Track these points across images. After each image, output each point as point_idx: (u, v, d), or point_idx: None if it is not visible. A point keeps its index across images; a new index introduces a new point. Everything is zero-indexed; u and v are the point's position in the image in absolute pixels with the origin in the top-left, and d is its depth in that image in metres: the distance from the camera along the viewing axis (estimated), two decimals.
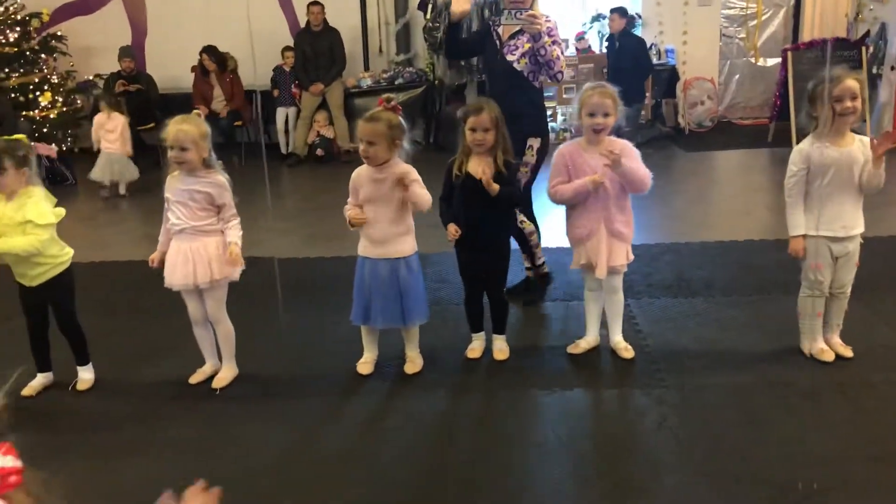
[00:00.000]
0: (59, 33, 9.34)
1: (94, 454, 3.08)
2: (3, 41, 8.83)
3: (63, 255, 3.50)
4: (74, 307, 3.58)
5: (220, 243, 3.42)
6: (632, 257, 3.58)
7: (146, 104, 9.09)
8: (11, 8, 8.92)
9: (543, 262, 4.40)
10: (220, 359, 3.67)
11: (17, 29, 8.88)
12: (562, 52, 4.01)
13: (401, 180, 3.30)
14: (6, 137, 3.42)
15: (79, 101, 9.48)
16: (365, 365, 3.63)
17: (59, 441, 3.18)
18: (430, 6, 9.43)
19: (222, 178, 3.40)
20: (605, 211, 3.46)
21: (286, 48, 9.37)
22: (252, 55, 8.81)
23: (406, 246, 3.45)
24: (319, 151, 9.27)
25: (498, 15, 4.22)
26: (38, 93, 8.97)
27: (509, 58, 4.09)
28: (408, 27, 10.02)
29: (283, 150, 9.45)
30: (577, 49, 9.91)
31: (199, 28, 9.60)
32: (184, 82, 9.53)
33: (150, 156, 9.08)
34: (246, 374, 3.64)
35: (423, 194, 3.35)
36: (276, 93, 9.40)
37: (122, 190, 7.97)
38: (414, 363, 3.61)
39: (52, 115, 8.98)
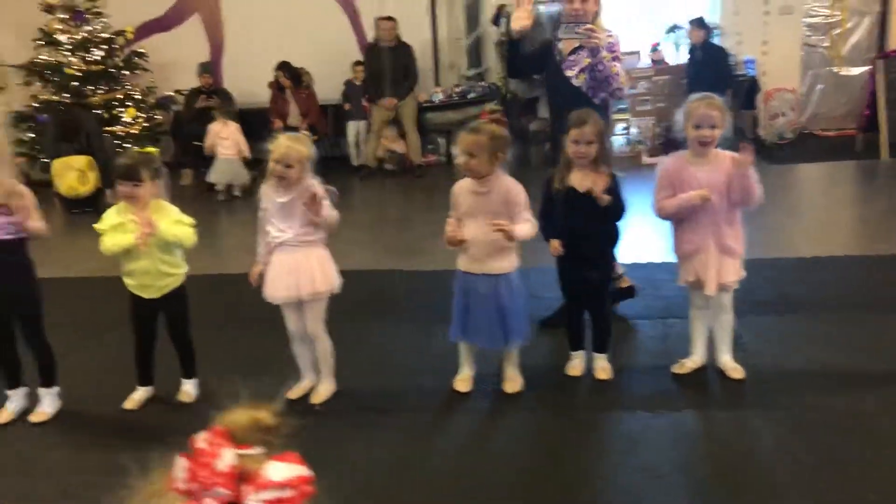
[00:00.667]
0: (140, 50, 9.55)
1: None
2: (90, 59, 9.06)
3: (184, 266, 3.55)
4: (189, 320, 3.59)
5: (321, 256, 3.41)
6: (743, 274, 3.45)
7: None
8: (99, 27, 9.15)
9: (621, 275, 4.30)
10: (316, 373, 3.64)
11: (104, 47, 9.11)
12: (622, 69, 3.90)
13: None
14: (141, 150, 3.46)
15: (158, 117, 9.68)
16: (463, 382, 3.57)
17: (166, 456, 3.17)
18: (503, 21, 9.40)
19: (320, 187, 3.39)
20: (715, 226, 3.35)
21: (357, 62, 9.44)
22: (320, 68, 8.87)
23: (506, 263, 3.38)
24: (389, 165, 9.31)
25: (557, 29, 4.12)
26: (121, 109, 9.18)
27: (568, 73, 4.01)
28: (479, 41, 10.01)
29: (354, 163, 9.50)
30: (651, 61, 9.77)
31: (273, 44, 9.76)
32: (260, 98, 9.66)
33: None
34: (343, 390, 3.60)
35: (524, 229, 3.27)
36: (347, 106, 9.46)
37: (236, 192, 8.50)
38: (514, 382, 3.54)
39: (133, 131, 9.18)
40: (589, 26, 3.78)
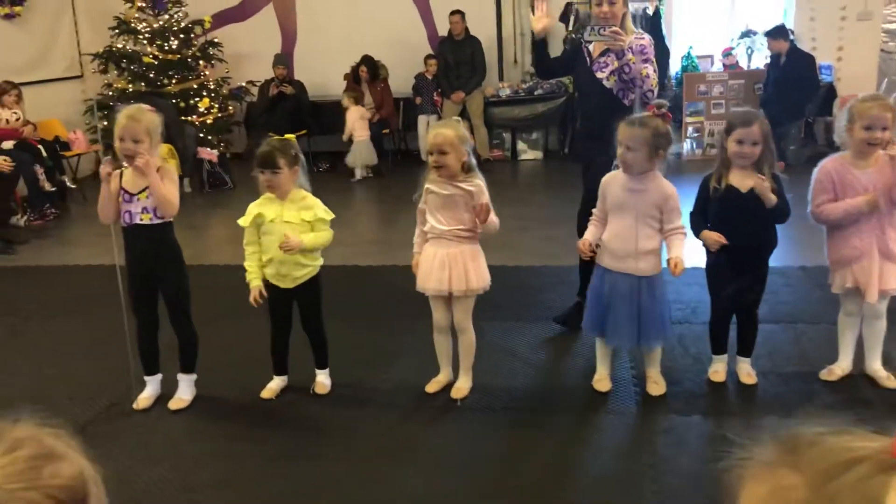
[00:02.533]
0: (215, 40, 9.57)
1: (354, 461, 3.04)
2: (167, 48, 9.10)
3: (319, 258, 3.53)
4: (322, 310, 3.57)
5: (475, 252, 3.37)
6: None
7: (298, 111, 9.23)
8: (176, 16, 9.19)
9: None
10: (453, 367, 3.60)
11: (181, 36, 9.15)
12: (654, 71, 3.83)
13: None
14: (278, 137, 3.44)
15: (230, 108, 9.70)
16: (602, 382, 3.52)
17: (312, 446, 3.16)
18: (571, 17, 9.34)
19: (481, 181, 3.35)
20: (879, 230, 3.27)
21: (428, 56, 9.42)
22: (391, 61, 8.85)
23: (650, 265, 3.32)
24: None
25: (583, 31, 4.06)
26: (196, 98, 9.20)
27: (599, 75, 3.94)
28: (544, 38, 9.91)
29: (423, 157, 9.45)
30: (724, 65, 9.66)
31: (344, 36, 9.76)
32: (331, 90, 9.67)
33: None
34: (478, 386, 3.56)
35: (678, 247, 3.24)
36: (418, 100, 9.43)
37: (366, 173, 8.97)
38: (658, 384, 3.48)
39: (208, 121, 9.20)
40: (614, 28, 3.72)
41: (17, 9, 8.80)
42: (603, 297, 3.38)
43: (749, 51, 9.78)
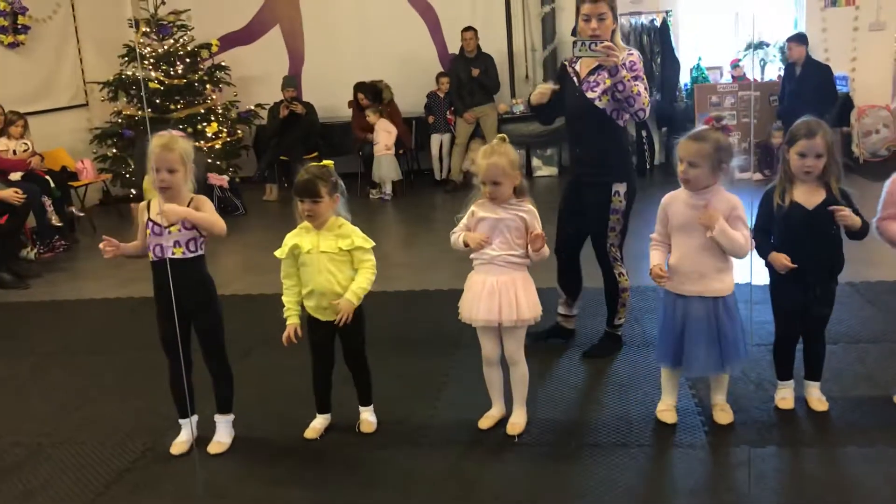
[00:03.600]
0: (222, 63, 9.44)
1: None
2: (173, 73, 8.96)
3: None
4: (366, 344, 3.39)
5: (526, 280, 3.20)
6: None
7: (309, 133, 9.09)
8: (182, 40, 9.05)
9: (621, 324, 4.14)
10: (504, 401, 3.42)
11: (188, 60, 9.01)
12: (645, 89, 3.66)
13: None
14: (317, 164, 3.28)
15: (239, 132, 9.55)
16: (668, 413, 3.34)
17: (369, 492, 2.97)
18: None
19: (533, 205, 3.19)
20: None
21: (440, 74, 9.31)
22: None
23: (725, 284, 3.15)
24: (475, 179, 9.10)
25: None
26: (204, 123, 9.05)
27: (590, 95, 3.75)
28: (555, 53, 9.82)
29: (437, 177, 9.34)
30: (732, 77, 9.55)
31: (353, 56, 9.66)
32: (341, 111, 9.56)
33: None
34: (534, 419, 3.39)
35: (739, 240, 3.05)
36: (430, 119, 9.31)
37: (388, 190, 8.86)
38: (725, 412, 3.30)
39: (216, 146, 9.05)
40: (607, 43, 3.51)
41: (21, 38, 8.66)
42: (676, 324, 3.20)
43: (762, 62, 9.68)
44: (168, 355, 3.30)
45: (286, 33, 10.04)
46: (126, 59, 9.16)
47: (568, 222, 4.07)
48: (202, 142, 8.97)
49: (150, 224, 3.15)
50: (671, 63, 8.84)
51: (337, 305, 3.18)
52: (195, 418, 3.42)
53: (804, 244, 3.13)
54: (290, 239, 3.27)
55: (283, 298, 3.32)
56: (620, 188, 3.87)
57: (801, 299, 3.23)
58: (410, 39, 9.78)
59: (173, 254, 3.13)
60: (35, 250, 7.11)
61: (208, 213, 3.16)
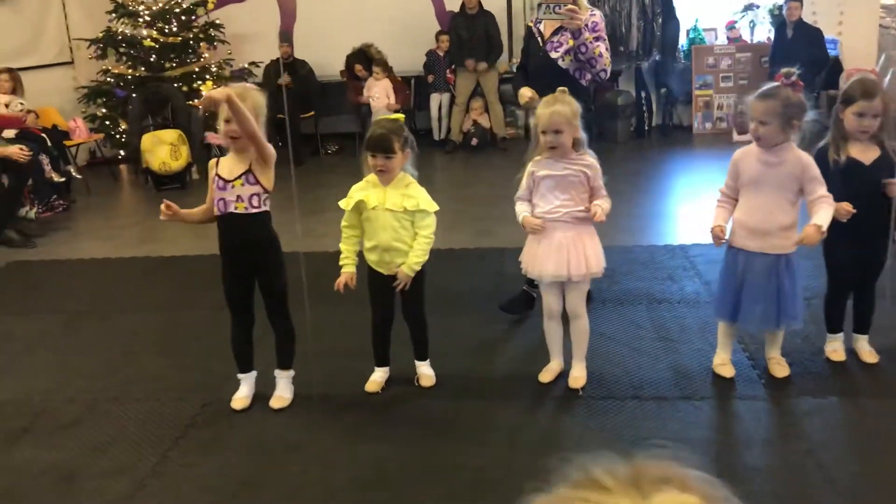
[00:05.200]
0: (216, 21, 9.24)
1: (500, 459, 2.88)
2: (168, 31, 8.76)
3: None
4: (424, 299, 3.39)
5: (592, 234, 3.22)
6: None
7: (307, 94, 8.96)
8: None
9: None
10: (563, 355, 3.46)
11: (182, 18, 8.81)
12: (606, 49, 3.71)
13: None
14: (390, 117, 3.25)
15: None
16: (725, 367, 3.40)
17: (448, 443, 3.00)
18: None
19: (594, 158, 3.19)
20: None
21: (440, 32, 9.20)
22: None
23: (788, 241, 3.19)
24: (474, 141, 9.10)
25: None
26: (199, 82, 8.88)
27: (553, 55, 3.80)
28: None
29: (436, 137, 9.28)
30: (728, 38, 9.60)
31: (347, 13, 9.49)
32: (335, 69, 9.42)
33: (310, 144, 9.03)
34: (592, 373, 3.43)
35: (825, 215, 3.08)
36: (430, 78, 9.22)
37: None
38: (782, 365, 3.38)
39: None
40: (570, 7, 3.53)
41: None
42: (736, 277, 3.25)
43: (752, 24, 9.74)
44: (231, 308, 3.27)
45: None
46: (114, 15, 8.92)
47: None
48: (196, 100, 8.80)
49: (217, 179, 3.10)
50: (672, 23, 8.85)
51: (397, 272, 3.20)
52: (254, 374, 3.40)
53: (861, 198, 3.18)
54: (356, 192, 3.25)
55: (341, 246, 3.31)
56: None
57: (855, 253, 3.29)
58: None
59: (235, 208, 3.09)
60: (35, 210, 6.96)
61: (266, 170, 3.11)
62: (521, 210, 3.28)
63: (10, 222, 6.20)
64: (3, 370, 3.83)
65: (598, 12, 3.75)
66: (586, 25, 3.60)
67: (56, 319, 4.44)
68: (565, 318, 3.36)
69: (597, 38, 3.65)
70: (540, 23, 3.86)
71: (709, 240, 5.05)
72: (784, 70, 3.17)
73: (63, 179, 7.34)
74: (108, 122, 8.95)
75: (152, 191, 7.91)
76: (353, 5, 9.55)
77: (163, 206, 3.10)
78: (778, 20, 9.13)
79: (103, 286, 5.03)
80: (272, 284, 3.25)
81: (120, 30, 8.85)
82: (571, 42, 3.67)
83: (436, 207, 3.23)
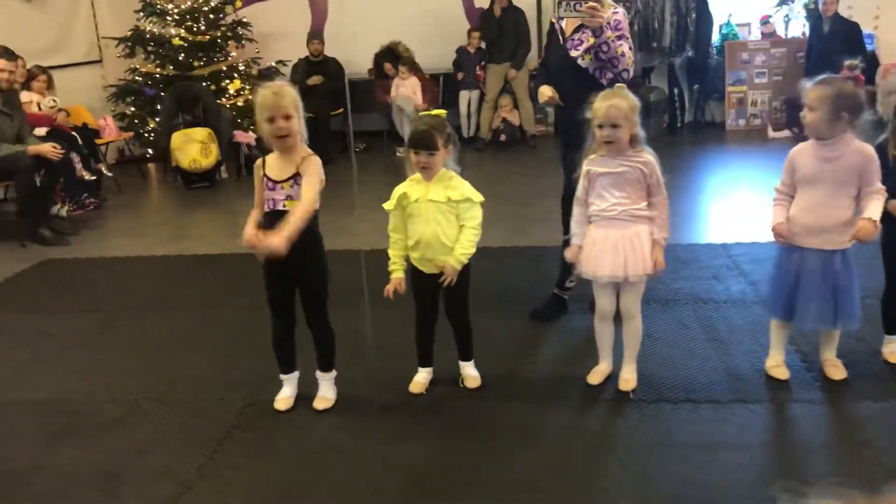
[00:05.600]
0: (244, 19, 9.22)
1: (554, 463, 2.80)
2: (196, 29, 8.74)
3: None
4: (469, 299, 3.32)
5: (650, 232, 3.13)
6: None
7: (336, 91, 8.92)
8: None
9: (572, 287, 4.05)
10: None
11: (210, 16, 8.79)
12: (630, 48, 3.58)
13: None
14: (429, 113, 3.18)
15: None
16: (779, 368, 3.31)
17: (500, 446, 2.92)
18: None
19: (651, 156, 3.10)
20: None
21: (472, 29, 9.13)
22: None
23: (845, 237, 3.09)
24: (503, 137, 9.03)
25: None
26: (227, 81, 8.86)
27: (573, 53, 3.66)
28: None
29: (465, 134, 9.21)
30: (762, 34, 9.45)
31: (378, 11, 9.43)
32: (364, 67, 9.38)
33: (338, 141, 8.99)
34: (641, 375, 3.33)
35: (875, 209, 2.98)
36: (459, 76, 9.15)
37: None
38: (838, 367, 3.28)
39: (239, 104, 8.87)
40: (591, 3, 3.39)
41: None
42: (790, 275, 3.15)
43: (786, 19, 9.58)
44: (273, 311, 3.21)
45: None
46: (142, 14, 8.92)
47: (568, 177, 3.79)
48: (224, 99, 8.79)
49: (265, 179, 3.04)
50: (705, 19, 8.71)
51: (442, 267, 3.12)
52: (297, 374, 3.35)
53: None
54: (399, 190, 3.19)
55: (389, 251, 3.25)
56: None
57: None
58: None
59: (284, 206, 3.03)
60: (66, 207, 6.96)
61: (305, 187, 3.02)
62: (575, 221, 3.23)
63: (44, 220, 6.19)
64: (41, 369, 3.80)
65: (621, 10, 3.63)
66: (608, 23, 3.49)
67: (91, 317, 4.41)
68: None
69: (619, 37, 3.53)
70: (561, 20, 3.74)
71: (751, 238, 5.08)
72: (848, 62, 3.08)
73: (94, 178, 7.34)
74: (136, 121, 8.94)
75: (182, 189, 7.89)
76: (382, 2, 9.49)
77: (251, 239, 2.96)
78: (813, 15, 8.97)
79: (137, 284, 5.01)
80: (312, 285, 3.18)
81: (148, 28, 8.84)
82: (592, 40, 3.56)
83: (481, 198, 3.16)
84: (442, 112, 3.21)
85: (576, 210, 3.27)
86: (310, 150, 3.06)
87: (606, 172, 3.10)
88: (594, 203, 3.14)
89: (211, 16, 8.85)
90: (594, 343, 3.39)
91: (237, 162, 8.34)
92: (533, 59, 9.26)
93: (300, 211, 2.92)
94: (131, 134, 8.84)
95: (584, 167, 3.18)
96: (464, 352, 3.44)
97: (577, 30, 3.67)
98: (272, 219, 3.03)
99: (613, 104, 3.02)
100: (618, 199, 3.09)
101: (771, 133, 8.67)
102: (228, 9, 8.98)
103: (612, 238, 3.09)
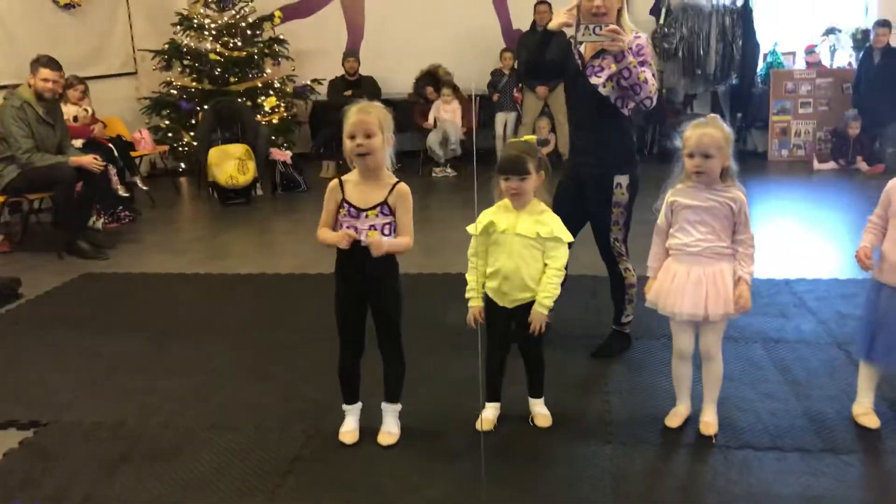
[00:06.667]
0: (281, 36, 9.17)
1: None
2: (232, 45, 8.70)
3: None
4: (543, 335, 3.17)
5: (733, 270, 2.99)
6: None
7: None
8: (243, 11, 8.78)
9: (629, 322, 3.93)
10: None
11: (248, 32, 8.75)
12: (653, 75, 3.43)
13: None
14: (518, 139, 3.06)
15: (294, 107, 9.30)
16: (868, 417, 3.15)
17: (581, 491, 2.77)
18: (663, 11, 8.97)
19: (741, 192, 2.97)
20: None
21: (505, 50, 9.05)
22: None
23: None
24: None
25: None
26: (262, 97, 8.80)
27: (594, 80, 3.51)
28: (552, 34, 9.56)
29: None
30: (806, 63, 9.33)
31: (414, 31, 9.39)
32: (399, 88, 9.31)
33: None
34: (720, 419, 3.18)
35: None
36: (496, 97, 9.05)
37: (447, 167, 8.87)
38: None
39: (274, 121, 8.80)
40: (612, 27, 3.24)
41: None
42: (877, 314, 3.01)
43: (832, 48, 9.46)
44: (344, 338, 3.09)
45: (346, 7, 9.75)
46: (180, 27, 8.88)
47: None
48: (260, 116, 8.72)
49: (346, 205, 2.91)
50: (752, 46, 8.60)
51: (532, 315, 3.04)
52: (360, 405, 3.21)
53: None
54: (486, 216, 3.07)
55: (467, 276, 3.12)
56: (622, 180, 3.64)
57: None
58: (474, 14, 9.52)
59: (366, 236, 2.90)
60: (102, 220, 6.89)
61: (405, 221, 2.93)
62: (653, 255, 3.11)
63: (81, 232, 6.10)
64: (92, 391, 3.68)
65: (643, 35, 3.50)
66: (630, 48, 3.34)
67: (141, 337, 4.29)
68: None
69: (641, 63, 3.38)
70: (580, 45, 3.59)
71: (814, 275, 4.93)
72: None
73: (127, 194, 7.26)
74: (170, 134, 8.89)
75: (217, 205, 7.80)
76: (419, 23, 9.44)
77: (346, 236, 2.86)
78: (860, 45, 8.85)
79: (182, 303, 4.89)
80: (389, 312, 3.05)
81: (185, 42, 8.80)
82: (614, 67, 3.40)
83: (570, 238, 3.03)
84: (532, 138, 3.09)
85: (655, 242, 3.13)
86: (395, 178, 2.94)
87: (693, 205, 2.96)
88: (676, 236, 3.01)
89: (248, 32, 8.80)
90: (663, 380, 3.24)
91: (272, 179, 8.25)
92: None
93: (404, 245, 2.89)
94: (167, 147, 8.77)
95: (669, 197, 3.04)
96: (535, 388, 3.30)
97: (596, 55, 3.53)
98: (354, 251, 2.89)
99: (706, 133, 2.89)
100: (703, 234, 2.95)
101: (816, 165, 8.52)
102: (266, 25, 8.92)
103: (693, 274, 2.96)
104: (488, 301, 3.14)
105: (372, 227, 2.90)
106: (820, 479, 2.80)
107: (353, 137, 2.85)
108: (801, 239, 5.90)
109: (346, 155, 2.92)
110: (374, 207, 2.89)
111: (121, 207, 7.19)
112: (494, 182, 3.04)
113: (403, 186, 2.92)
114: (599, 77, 3.52)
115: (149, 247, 6.37)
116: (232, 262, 5.81)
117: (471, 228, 3.08)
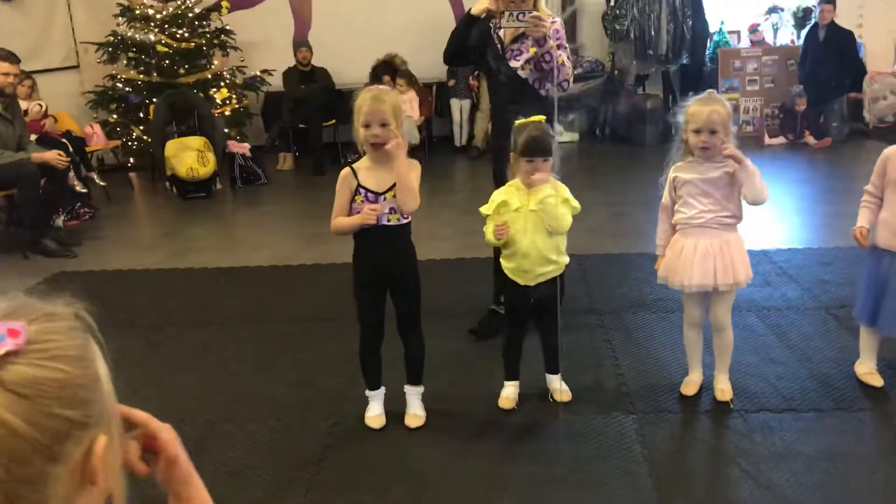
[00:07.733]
0: (227, 27, 9.00)
1: (672, 480, 2.74)
2: (179, 36, 8.50)
3: (565, 256, 3.17)
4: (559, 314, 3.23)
5: (740, 241, 3.09)
6: None
7: (328, 101, 8.73)
8: (188, 2, 8.58)
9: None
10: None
11: (196, 23, 8.56)
12: (568, 58, 3.58)
13: None
14: (533, 120, 3.08)
15: (245, 99, 9.15)
16: (872, 376, 3.29)
17: (620, 463, 2.84)
18: None
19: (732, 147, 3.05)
20: None
21: None
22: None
23: None
24: None
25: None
26: (214, 89, 8.63)
27: (513, 64, 3.63)
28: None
29: (457, 143, 9.12)
30: (750, 41, 9.59)
31: (365, 19, 9.31)
32: (350, 77, 9.19)
33: (331, 153, 8.80)
34: (733, 385, 3.28)
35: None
36: (451, 83, 9.05)
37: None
38: None
39: (226, 113, 8.65)
40: (535, 14, 3.35)
41: None
42: (879, 281, 3.14)
43: (775, 26, 9.73)
44: (366, 324, 3.09)
45: None
46: (122, 18, 8.63)
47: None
48: (212, 109, 8.56)
49: (363, 191, 2.91)
50: (701, 25, 8.79)
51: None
52: (383, 390, 3.22)
53: None
54: (499, 195, 3.10)
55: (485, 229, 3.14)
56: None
57: None
58: (425, 1, 9.47)
59: (388, 220, 2.91)
60: (62, 217, 6.68)
61: (415, 179, 2.93)
62: (660, 232, 3.19)
63: (46, 230, 5.91)
64: None
65: (559, 19, 3.60)
66: (549, 33, 3.43)
67: (133, 333, 4.19)
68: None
69: (559, 46, 3.49)
70: (500, 29, 3.64)
71: (787, 245, 5.10)
72: None
73: (85, 190, 7.06)
74: (118, 129, 8.66)
75: (176, 199, 7.63)
76: (368, 10, 9.36)
77: (369, 213, 2.86)
78: (801, 23, 9.13)
79: (167, 297, 4.80)
80: (409, 294, 3.07)
81: (129, 34, 8.56)
82: (534, 50, 3.50)
83: (579, 209, 3.08)
84: (541, 118, 3.12)
85: (661, 219, 3.20)
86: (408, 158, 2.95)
87: (694, 179, 3.04)
88: (680, 211, 3.09)
89: (196, 22, 8.61)
90: (667, 352, 3.32)
91: (231, 173, 8.09)
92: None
93: (416, 183, 2.88)
94: (120, 142, 8.54)
95: (671, 174, 3.12)
96: (552, 364, 3.35)
97: (516, 40, 3.61)
98: (376, 235, 2.90)
99: (715, 109, 2.97)
100: (706, 206, 3.03)
101: (767, 140, 8.78)
102: (214, 16, 8.73)
103: (700, 247, 3.04)
104: (510, 283, 3.17)
105: (392, 209, 2.90)
106: (840, 437, 2.92)
107: (367, 126, 2.84)
108: (765, 211, 6.07)
109: (358, 142, 2.91)
110: (391, 189, 2.89)
111: (79, 204, 6.99)
112: (515, 165, 3.06)
113: (413, 161, 2.94)
114: (518, 61, 3.59)
115: (115, 243, 6.21)
116: (206, 255, 5.71)
117: (484, 209, 3.11)
